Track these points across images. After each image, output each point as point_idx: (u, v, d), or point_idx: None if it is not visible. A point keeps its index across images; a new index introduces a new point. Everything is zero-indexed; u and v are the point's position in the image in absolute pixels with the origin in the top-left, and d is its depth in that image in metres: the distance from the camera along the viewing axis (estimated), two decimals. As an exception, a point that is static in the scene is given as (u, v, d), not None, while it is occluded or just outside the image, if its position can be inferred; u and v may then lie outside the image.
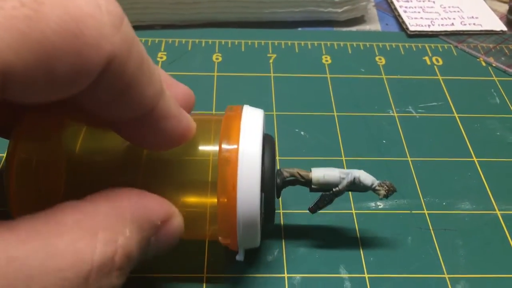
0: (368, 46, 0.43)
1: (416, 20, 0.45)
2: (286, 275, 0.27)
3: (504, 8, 0.48)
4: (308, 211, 0.27)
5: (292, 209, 0.30)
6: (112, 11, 0.16)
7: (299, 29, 0.45)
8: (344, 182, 0.25)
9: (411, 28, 0.45)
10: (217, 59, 0.41)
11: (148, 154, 0.24)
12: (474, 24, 0.46)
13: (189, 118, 0.21)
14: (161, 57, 0.40)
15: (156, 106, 0.19)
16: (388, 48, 0.43)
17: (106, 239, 0.17)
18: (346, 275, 0.27)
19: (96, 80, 0.16)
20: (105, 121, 0.20)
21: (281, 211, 0.30)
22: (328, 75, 0.40)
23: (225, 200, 0.22)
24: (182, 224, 0.22)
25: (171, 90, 0.21)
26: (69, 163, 0.23)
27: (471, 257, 0.28)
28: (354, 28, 0.46)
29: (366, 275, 0.27)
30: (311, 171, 0.26)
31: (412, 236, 0.29)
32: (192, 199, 0.24)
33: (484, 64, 0.42)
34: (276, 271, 0.27)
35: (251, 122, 0.24)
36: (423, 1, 0.48)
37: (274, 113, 0.36)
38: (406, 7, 0.47)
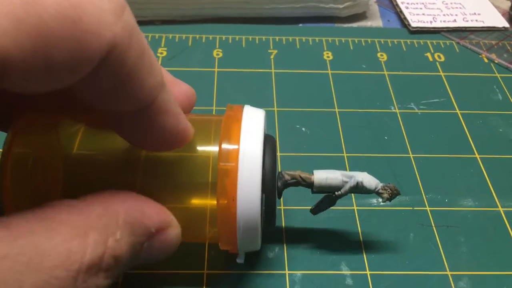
0: (369, 42, 0.43)
1: (418, 16, 0.45)
2: (287, 271, 0.27)
3: (507, 4, 0.47)
4: (310, 212, 0.26)
5: (293, 205, 0.30)
6: None
7: (300, 25, 0.45)
8: (347, 186, 0.25)
9: (413, 25, 0.44)
10: (217, 55, 0.40)
11: (147, 154, 0.23)
12: (476, 20, 0.45)
13: (186, 120, 0.21)
14: (161, 53, 0.40)
15: (156, 98, 0.18)
16: (390, 45, 0.43)
17: (97, 240, 0.17)
18: (347, 272, 0.27)
19: (96, 69, 0.16)
20: (104, 116, 0.20)
21: (282, 207, 0.29)
22: (329, 71, 0.39)
23: (225, 202, 0.22)
24: (178, 236, 0.21)
25: (172, 89, 0.21)
26: (67, 162, 0.23)
27: (474, 254, 0.28)
28: (355, 25, 0.45)
29: (368, 272, 0.27)
30: (313, 174, 0.25)
31: (414, 233, 0.29)
32: (191, 201, 0.24)
33: (486, 60, 0.42)
34: (277, 267, 0.27)
35: (252, 123, 0.24)
36: (425, -3, 0.48)
37: (275, 109, 0.36)
38: (408, 3, 0.47)
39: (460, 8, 0.47)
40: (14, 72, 0.14)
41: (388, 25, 0.46)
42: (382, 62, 0.41)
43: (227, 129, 0.23)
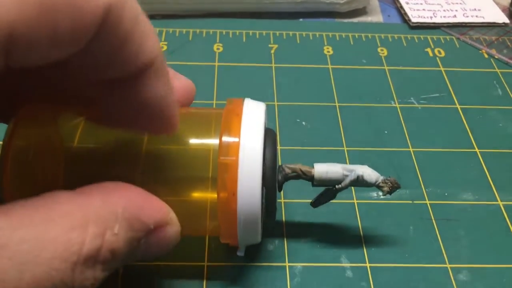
0: (370, 37, 0.43)
1: (418, 11, 0.45)
2: (287, 264, 0.27)
3: (507, 0, 0.47)
4: (310, 205, 0.27)
5: (293, 198, 0.30)
6: None
7: (301, 20, 0.45)
8: (347, 180, 0.25)
9: (413, 20, 0.44)
10: (218, 49, 0.40)
11: (147, 148, 0.23)
12: (476, 16, 0.45)
13: (177, 102, 0.21)
14: (162, 47, 0.40)
15: (153, 62, 0.18)
16: (390, 40, 0.43)
17: (95, 233, 0.17)
18: (347, 264, 0.27)
19: (94, 35, 0.16)
20: (102, 91, 0.20)
21: (282, 200, 0.30)
22: (329, 66, 0.39)
23: (226, 197, 0.22)
24: (177, 234, 0.21)
25: (172, 82, 0.21)
26: (68, 155, 0.23)
27: (473, 247, 0.28)
28: (355, 20, 0.45)
29: (368, 265, 0.27)
30: (313, 167, 0.25)
31: (413, 226, 0.29)
32: (192, 194, 0.24)
33: (486, 56, 0.42)
34: (277, 260, 0.27)
35: (252, 116, 0.23)
36: (425, -7, 0.48)
37: (276, 103, 0.36)
38: (408, -2, 0.47)
39: (460, 3, 0.47)
40: (20, 42, 0.14)
41: (388, 21, 0.46)
42: (383, 57, 0.41)
43: (228, 122, 0.23)
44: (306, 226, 0.28)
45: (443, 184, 0.31)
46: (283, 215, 0.29)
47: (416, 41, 0.43)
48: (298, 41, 0.42)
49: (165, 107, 0.20)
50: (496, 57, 0.42)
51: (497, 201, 0.30)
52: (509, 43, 0.43)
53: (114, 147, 0.24)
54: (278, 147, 0.32)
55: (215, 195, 0.22)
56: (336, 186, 0.25)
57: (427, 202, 0.30)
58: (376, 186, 0.25)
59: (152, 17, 0.43)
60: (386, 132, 0.34)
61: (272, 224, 0.28)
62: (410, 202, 0.30)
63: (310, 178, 0.25)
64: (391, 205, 0.30)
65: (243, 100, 0.25)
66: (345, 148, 0.33)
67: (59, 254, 0.16)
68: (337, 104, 0.36)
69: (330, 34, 0.43)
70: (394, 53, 0.41)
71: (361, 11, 0.46)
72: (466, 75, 0.40)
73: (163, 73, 0.19)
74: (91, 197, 0.18)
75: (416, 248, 0.28)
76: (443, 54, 0.42)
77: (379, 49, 0.42)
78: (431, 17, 0.45)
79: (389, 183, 0.25)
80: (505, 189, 0.31)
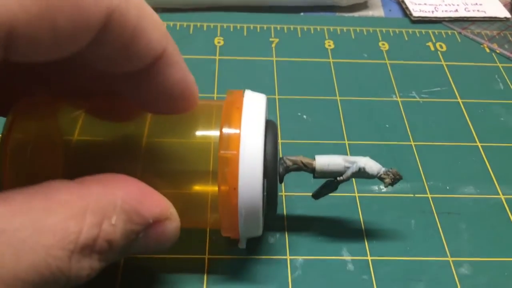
0: (371, 31, 0.43)
1: (419, 6, 0.45)
2: (288, 257, 0.27)
3: (509, -5, 0.47)
4: (311, 197, 0.26)
5: (295, 191, 0.30)
6: None
7: (302, 13, 0.45)
8: (349, 172, 0.25)
9: (415, 14, 0.44)
10: (219, 42, 0.40)
11: (148, 141, 0.23)
12: (478, 10, 0.45)
13: (194, 79, 0.21)
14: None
15: (164, 51, 0.19)
16: (392, 34, 0.43)
17: (92, 222, 0.17)
18: (349, 258, 0.27)
19: (101, 33, 0.16)
20: (114, 79, 0.20)
21: (283, 193, 0.29)
22: (331, 60, 0.39)
23: (227, 189, 0.22)
24: (177, 229, 0.21)
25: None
26: (67, 148, 0.23)
27: (475, 240, 0.28)
28: (356, 14, 0.45)
29: (369, 258, 0.27)
30: (314, 159, 0.25)
31: (415, 220, 0.29)
32: (193, 187, 0.23)
33: (488, 50, 0.42)
34: (278, 253, 0.27)
35: (253, 108, 0.23)
36: (427, -13, 0.48)
37: (277, 96, 0.36)
38: (409, -7, 0.47)
39: (462, -2, 0.47)
40: (21, 37, 0.14)
41: (389, 15, 0.46)
42: (384, 51, 0.41)
43: (228, 115, 0.23)
44: (307, 219, 0.28)
45: (444, 178, 0.31)
46: (284, 208, 0.29)
47: (418, 35, 0.43)
48: (299, 35, 0.42)
49: (183, 90, 0.21)
50: (497, 51, 0.41)
51: (498, 194, 0.30)
52: (510, 38, 0.43)
53: (114, 141, 0.24)
54: (279, 141, 0.32)
55: (216, 188, 0.22)
56: (338, 178, 0.25)
57: (429, 195, 0.30)
58: (378, 177, 0.25)
59: (152, 10, 0.42)
60: (387, 126, 0.34)
61: (273, 216, 0.28)
62: (412, 195, 0.30)
63: (311, 170, 0.25)
64: (393, 198, 0.30)
65: (244, 92, 0.24)
66: (346, 142, 0.33)
67: (56, 242, 0.16)
68: (338, 98, 0.36)
69: (331, 28, 0.43)
70: (396, 47, 0.41)
71: (362, 5, 0.46)
72: (468, 70, 0.39)
73: (176, 59, 0.20)
74: (90, 187, 0.18)
75: (417, 241, 0.28)
76: (444, 48, 0.41)
77: (380, 43, 0.41)
78: (432, 12, 0.45)
79: (391, 175, 0.25)
80: (507, 183, 0.31)
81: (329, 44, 0.41)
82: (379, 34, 0.42)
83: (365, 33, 0.42)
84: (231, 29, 0.42)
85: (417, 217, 0.29)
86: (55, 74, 0.21)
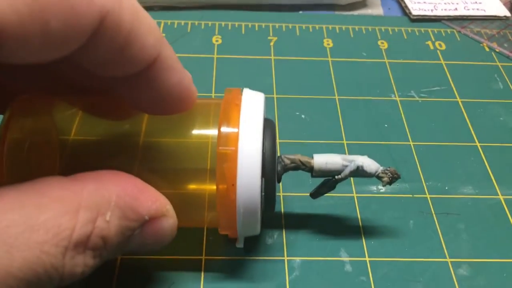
0: (370, 30, 0.42)
1: (419, 4, 0.45)
2: (286, 258, 0.26)
3: (508, -7, 0.47)
4: (309, 196, 0.26)
5: (293, 192, 0.29)
6: None
7: (300, 12, 0.44)
8: (347, 171, 0.24)
9: (414, 13, 0.44)
10: (217, 41, 0.40)
11: (145, 139, 0.23)
12: (477, 9, 0.45)
13: (191, 79, 0.21)
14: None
15: (159, 55, 0.19)
16: (391, 33, 0.42)
17: (85, 218, 0.17)
18: (346, 259, 0.26)
19: (95, 37, 0.16)
20: (109, 81, 0.19)
21: (281, 194, 0.29)
22: (329, 59, 0.39)
23: (225, 187, 0.22)
24: (173, 226, 0.21)
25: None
26: (63, 147, 0.23)
27: (474, 241, 0.28)
28: (355, 12, 0.45)
29: (367, 259, 0.27)
30: (313, 158, 0.25)
31: (414, 220, 0.28)
32: (190, 186, 0.23)
33: (487, 49, 0.41)
34: (276, 254, 0.27)
35: (252, 105, 0.23)
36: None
37: (275, 96, 0.36)
38: (408, -9, 0.47)
39: (462, -4, 0.46)
40: (11, 38, 0.14)
41: (388, 13, 0.45)
42: (383, 50, 0.40)
43: (226, 112, 0.23)
44: (305, 220, 0.28)
45: (443, 178, 0.31)
46: (282, 209, 0.29)
47: (417, 34, 0.42)
48: (298, 34, 0.41)
49: (179, 93, 0.21)
50: (497, 50, 0.41)
51: (497, 195, 0.30)
52: (510, 37, 0.43)
53: (111, 139, 0.24)
54: (277, 141, 0.31)
55: (214, 187, 0.22)
56: (336, 177, 0.25)
57: (427, 196, 0.30)
58: (376, 176, 0.25)
59: (150, 8, 0.42)
60: (386, 125, 0.34)
61: (271, 215, 0.27)
62: (410, 196, 0.30)
63: (309, 169, 0.25)
64: (391, 198, 0.30)
65: (242, 90, 0.24)
66: (345, 142, 0.33)
67: (49, 239, 0.16)
68: (336, 97, 0.36)
69: (330, 26, 0.42)
70: (395, 46, 0.41)
71: (361, 4, 0.46)
72: (467, 69, 0.39)
73: (172, 63, 0.20)
74: (84, 183, 0.18)
75: (416, 242, 0.27)
76: (443, 47, 0.41)
77: (379, 42, 0.41)
78: (431, 10, 0.44)
79: (389, 174, 0.25)
80: (506, 183, 0.31)
81: (328, 42, 0.41)
82: (378, 33, 0.42)
83: (364, 31, 0.42)
84: (229, 28, 0.41)
85: (415, 218, 0.29)
86: (49, 74, 0.21)
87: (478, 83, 0.38)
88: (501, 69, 0.39)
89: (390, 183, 0.25)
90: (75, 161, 0.23)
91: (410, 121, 0.34)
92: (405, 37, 0.42)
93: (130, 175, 0.20)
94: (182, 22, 0.41)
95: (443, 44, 0.41)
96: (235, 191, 0.22)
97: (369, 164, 0.25)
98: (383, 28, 0.43)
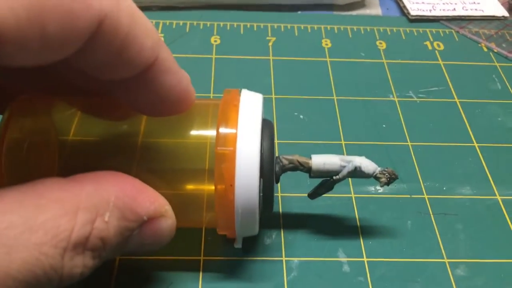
0: (368, 30, 0.42)
1: (417, 4, 0.45)
2: (284, 258, 0.26)
3: (506, -7, 0.47)
4: (307, 196, 0.26)
5: (291, 192, 0.29)
6: None
7: (299, 12, 0.44)
8: (345, 171, 0.25)
9: (412, 13, 0.44)
10: (215, 41, 0.40)
11: (143, 140, 0.23)
12: (475, 9, 0.45)
13: (189, 80, 0.21)
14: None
15: (157, 58, 0.19)
16: (389, 33, 0.42)
17: (84, 219, 0.17)
18: (344, 259, 0.27)
19: (92, 40, 0.16)
20: (107, 84, 0.20)
21: (279, 194, 0.29)
22: (328, 59, 0.39)
23: (223, 188, 0.22)
24: (172, 227, 0.21)
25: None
26: (62, 147, 0.23)
27: (471, 241, 0.28)
28: (354, 13, 0.45)
29: (365, 259, 0.27)
30: (311, 158, 0.25)
31: (411, 221, 0.29)
32: (189, 186, 0.23)
33: (485, 49, 0.41)
34: (274, 254, 0.27)
35: (250, 107, 0.23)
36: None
37: (273, 96, 0.36)
38: (407, -9, 0.47)
39: (460, -4, 0.46)
40: (10, 42, 0.14)
41: (387, 13, 0.45)
42: (381, 50, 0.40)
43: (225, 113, 0.23)
44: (303, 220, 0.28)
45: (441, 178, 0.31)
46: (280, 209, 0.29)
47: (415, 34, 0.42)
48: (296, 34, 0.42)
49: (178, 95, 0.21)
50: (495, 50, 0.41)
51: (495, 195, 0.30)
52: (508, 37, 0.43)
53: (109, 140, 0.24)
54: (275, 141, 0.31)
55: (212, 187, 0.22)
56: (334, 177, 0.25)
57: (425, 196, 0.30)
58: (374, 177, 0.25)
59: (148, 8, 0.42)
60: (384, 126, 0.34)
61: (269, 216, 0.27)
62: (408, 196, 0.30)
63: (307, 169, 0.25)
64: (389, 199, 0.30)
65: (240, 91, 0.24)
66: (343, 142, 0.33)
67: (48, 240, 0.16)
68: (335, 98, 0.36)
69: (329, 26, 0.42)
70: (393, 46, 0.41)
71: (360, 4, 0.46)
72: (465, 69, 0.39)
73: (170, 65, 0.20)
74: (83, 184, 0.18)
75: (413, 242, 0.28)
76: (442, 47, 0.41)
77: (377, 42, 0.41)
78: (430, 10, 0.44)
79: (387, 174, 0.25)
80: (504, 184, 0.31)
81: (326, 43, 0.41)
82: (376, 33, 0.42)
83: (362, 32, 0.42)
84: (228, 28, 0.41)
85: (413, 218, 0.29)
86: (48, 76, 0.21)
87: (476, 84, 0.38)
88: (499, 69, 0.39)
89: (388, 183, 0.25)
90: (74, 161, 0.23)
91: (408, 121, 0.34)
92: (403, 37, 0.42)
93: (128, 176, 0.20)
94: (181, 22, 0.42)
95: (441, 44, 0.41)
96: (233, 192, 0.22)
97: (367, 164, 0.25)
98: (381, 28, 0.43)
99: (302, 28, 0.42)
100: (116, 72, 0.18)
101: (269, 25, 0.42)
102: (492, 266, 0.27)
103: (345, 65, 0.39)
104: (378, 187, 0.30)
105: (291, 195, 0.29)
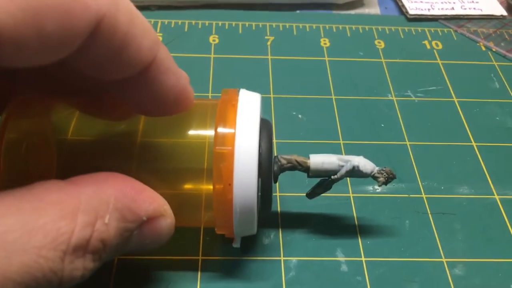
0: (367, 29, 0.42)
1: (415, 3, 0.45)
2: (282, 258, 0.26)
3: (505, -8, 0.47)
4: (306, 196, 0.26)
5: (289, 192, 0.29)
6: None
7: (298, 11, 0.44)
8: (343, 171, 0.25)
9: (411, 12, 0.44)
10: (214, 40, 0.40)
11: (142, 140, 0.23)
12: (474, 8, 0.45)
13: (188, 80, 0.21)
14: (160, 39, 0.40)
15: (155, 58, 0.19)
16: (388, 32, 0.42)
17: (84, 222, 0.17)
18: (343, 259, 0.27)
19: (90, 40, 0.16)
20: (105, 84, 0.20)
21: (277, 194, 0.29)
22: (326, 58, 0.39)
23: (221, 187, 0.22)
24: (171, 226, 0.21)
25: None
26: (61, 147, 0.23)
27: (469, 241, 0.28)
28: (353, 12, 0.45)
29: (363, 259, 0.27)
30: (309, 158, 0.25)
31: (409, 220, 0.29)
32: (187, 186, 0.23)
33: (484, 48, 0.41)
34: (272, 254, 0.27)
35: (248, 107, 0.23)
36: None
37: (272, 95, 0.36)
38: (406, -10, 0.47)
39: (458, -4, 0.46)
40: (8, 42, 0.14)
41: (385, 13, 0.45)
42: (380, 50, 0.40)
43: (223, 113, 0.23)
44: (302, 220, 0.28)
45: (439, 178, 0.31)
46: (278, 209, 0.29)
47: (414, 33, 0.42)
48: (295, 33, 0.42)
49: (176, 95, 0.21)
50: (493, 49, 0.41)
51: (493, 195, 0.30)
52: (506, 36, 0.43)
53: (108, 139, 0.24)
54: (274, 141, 0.31)
55: (211, 187, 0.22)
56: (332, 177, 0.25)
57: (423, 196, 0.30)
58: (372, 176, 0.25)
59: (147, 8, 0.42)
60: (382, 125, 0.34)
61: (267, 215, 0.28)
62: (406, 196, 0.30)
63: (305, 169, 0.25)
64: (387, 198, 0.30)
65: (239, 91, 0.24)
66: (341, 142, 0.33)
67: (47, 243, 0.16)
68: (333, 97, 0.36)
69: (327, 26, 0.42)
70: (391, 45, 0.41)
71: (358, 3, 0.46)
72: (464, 68, 0.39)
73: (168, 65, 0.20)
74: (82, 187, 0.18)
75: (411, 242, 0.28)
76: (440, 46, 0.41)
77: (376, 42, 0.41)
78: (428, 9, 0.44)
79: (385, 174, 0.25)
80: (502, 183, 0.31)
81: (325, 42, 0.41)
82: (375, 32, 0.42)
83: (361, 31, 0.42)
84: (226, 27, 0.41)
85: (411, 218, 0.29)
86: (46, 76, 0.21)
87: (474, 83, 0.38)
88: (498, 69, 0.39)
89: (385, 183, 0.25)
90: (72, 161, 0.23)
91: (407, 121, 0.35)
92: (402, 37, 0.42)
93: (127, 177, 0.20)
94: (179, 22, 0.41)
95: (439, 44, 0.42)
96: (232, 191, 0.22)
97: (365, 164, 0.25)
98: (380, 27, 0.43)
99: (301, 27, 0.42)
100: (114, 72, 0.18)
101: (267, 24, 0.42)
102: (490, 265, 0.27)
103: (343, 64, 0.39)
104: (376, 187, 0.30)
105: (290, 195, 0.29)
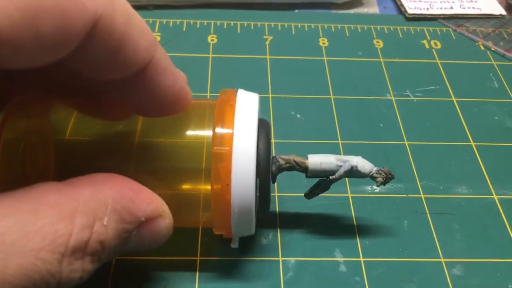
0: (365, 29, 0.42)
1: (414, 3, 0.45)
2: (280, 258, 0.26)
3: (504, -8, 0.47)
4: (304, 196, 0.26)
5: (287, 192, 0.29)
6: None
7: (296, 11, 0.44)
8: (341, 171, 0.25)
9: (410, 11, 0.44)
10: (212, 40, 0.40)
11: (140, 140, 0.23)
12: (473, 8, 0.45)
13: (186, 80, 0.21)
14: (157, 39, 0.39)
15: (152, 58, 0.19)
16: (386, 31, 0.42)
17: (83, 224, 0.17)
18: (341, 259, 0.27)
19: (87, 40, 0.16)
20: (103, 85, 0.19)
21: (276, 194, 0.29)
22: (325, 58, 0.39)
23: (219, 187, 0.22)
24: (170, 226, 0.21)
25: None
26: (59, 147, 0.23)
27: (468, 241, 0.28)
28: (351, 11, 0.45)
29: (362, 259, 0.27)
30: (307, 158, 0.25)
31: (408, 220, 0.29)
32: (185, 186, 0.23)
33: (482, 48, 0.41)
34: (270, 254, 0.27)
35: (246, 107, 0.23)
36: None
37: (270, 95, 0.36)
38: (404, -10, 0.47)
39: (457, -5, 0.46)
40: (4, 43, 0.14)
41: (384, 12, 0.45)
42: (378, 49, 0.40)
43: (221, 113, 0.23)
44: (300, 220, 0.28)
45: (438, 178, 0.31)
46: (276, 209, 0.29)
47: (412, 33, 0.42)
48: (293, 33, 0.41)
49: (174, 96, 0.20)
50: (492, 49, 0.41)
51: (492, 194, 0.30)
52: (505, 35, 0.43)
53: (106, 140, 0.24)
54: (272, 140, 0.31)
55: (209, 187, 0.22)
56: (330, 177, 0.25)
57: (422, 196, 0.30)
58: (370, 176, 0.25)
59: (145, 7, 0.42)
60: (381, 125, 0.34)
61: (265, 216, 0.27)
62: (405, 196, 0.30)
63: (304, 169, 0.25)
64: (386, 198, 0.30)
65: (237, 91, 0.24)
66: (340, 141, 0.33)
67: (45, 245, 0.16)
68: (332, 97, 0.36)
69: (326, 25, 0.42)
70: (390, 45, 0.41)
71: (357, 3, 0.46)
72: (462, 68, 0.39)
73: (165, 66, 0.20)
74: (80, 188, 0.18)
75: (410, 242, 0.28)
76: (439, 46, 0.41)
77: (375, 41, 0.41)
78: (427, 9, 0.44)
79: (383, 174, 0.25)
80: (500, 183, 0.31)
81: (323, 41, 0.41)
82: (373, 32, 0.42)
83: (359, 30, 0.42)
84: (225, 27, 0.41)
85: (410, 218, 0.29)
86: (43, 76, 0.21)
87: (473, 82, 0.38)
88: (496, 68, 0.39)
89: (384, 183, 0.25)
90: (70, 161, 0.23)
91: (405, 120, 0.34)
92: (401, 36, 0.42)
93: (125, 178, 0.20)
94: (178, 21, 0.41)
95: (438, 43, 0.41)
96: (230, 191, 0.22)
97: (363, 164, 0.25)
98: (378, 27, 0.43)
99: (299, 26, 0.42)
100: (111, 72, 0.18)
101: (266, 24, 0.42)
102: (489, 265, 0.27)
103: (342, 64, 0.39)
104: (374, 187, 0.30)
105: (288, 195, 0.29)
